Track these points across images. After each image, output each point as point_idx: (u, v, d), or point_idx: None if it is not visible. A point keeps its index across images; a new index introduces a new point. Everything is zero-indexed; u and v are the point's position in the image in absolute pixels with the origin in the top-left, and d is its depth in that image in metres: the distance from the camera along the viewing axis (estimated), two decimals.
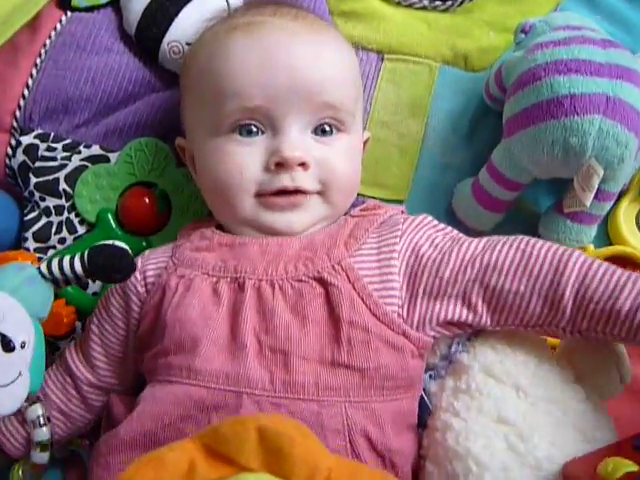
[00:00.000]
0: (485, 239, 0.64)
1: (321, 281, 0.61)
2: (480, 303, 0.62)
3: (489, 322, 0.62)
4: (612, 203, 0.71)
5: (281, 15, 0.68)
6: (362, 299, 0.61)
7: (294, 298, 0.61)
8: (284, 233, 0.66)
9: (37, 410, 0.65)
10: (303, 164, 0.64)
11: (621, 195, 0.74)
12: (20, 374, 0.60)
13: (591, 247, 0.73)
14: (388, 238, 0.64)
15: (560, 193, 0.73)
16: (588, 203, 0.68)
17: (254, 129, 0.65)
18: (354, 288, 0.61)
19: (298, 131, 0.65)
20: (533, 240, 0.62)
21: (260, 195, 0.65)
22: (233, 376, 0.59)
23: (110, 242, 0.66)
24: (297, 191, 0.65)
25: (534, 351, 0.63)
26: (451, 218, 0.78)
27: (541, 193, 0.77)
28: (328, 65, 0.66)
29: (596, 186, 0.66)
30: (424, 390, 0.65)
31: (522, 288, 0.60)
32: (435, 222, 0.67)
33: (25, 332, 0.61)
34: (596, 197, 0.68)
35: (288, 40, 0.65)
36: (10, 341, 0.59)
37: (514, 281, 0.61)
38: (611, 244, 0.75)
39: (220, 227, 0.70)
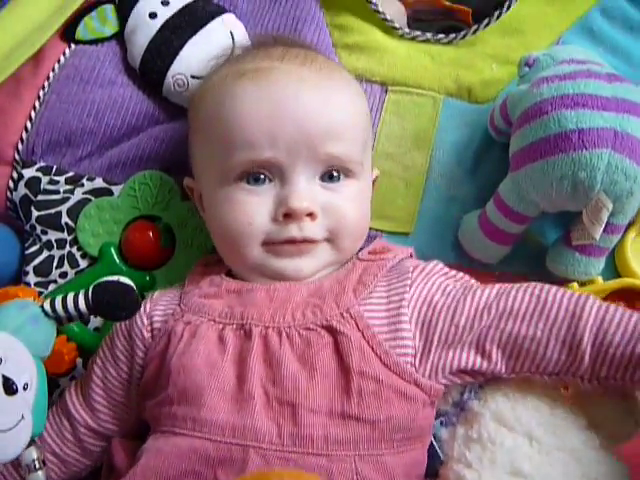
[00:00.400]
0: (498, 286, 0.63)
1: (330, 329, 0.60)
2: (495, 350, 0.61)
3: (504, 369, 0.62)
4: (620, 235, 0.71)
5: (289, 60, 0.67)
6: (372, 348, 0.60)
7: (302, 347, 0.60)
8: (293, 278, 0.65)
9: (32, 453, 0.62)
10: (311, 214, 0.64)
11: (628, 227, 0.73)
12: (23, 417, 0.58)
13: (599, 279, 0.73)
14: (398, 287, 0.63)
15: (567, 226, 0.73)
16: (597, 236, 0.67)
17: (262, 177, 0.65)
18: (364, 337, 0.60)
19: (306, 180, 0.65)
20: (547, 286, 0.62)
21: (267, 244, 0.65)
22: (239, 428, 0.57)
23: (115, 278, 0.65)
24: (305, 240, 0.65)
25: (546, 397, 0.62)
26: (457, 250, 0.77)
27: (548, 226, 0.76)
28: (336, 111, 0.66)
29: (605, 220, 0.66)
30: (434, 437, 0.64)
31: (539, 334, 0.60)
32: (445, 269, 0.67)
33: (28, 373, 0.60)
34: (604, 230, 0.68)
35: (296, 87, 0.65)
36: (13, 383, 0.58)
37: (530, 326, 0.60)
38: (619, 276, 0.75)
39: (230, 273, 0.70)
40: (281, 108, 0.64)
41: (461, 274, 0.67)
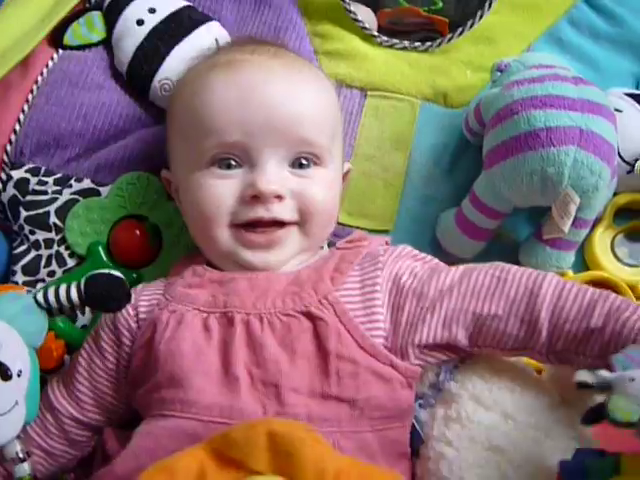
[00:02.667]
0: (462, 268, 0.66)
1: (309, 315, 0.63)
2: (459, 329, 0.63)
3: (467, 345, 0.64)
4: (588, 230, 0.75)
5: (260, 53, 0.71)
6: (349, 332, 0.62)
7: (282, 332, 0.62)
8: (261, 270, 0.67)
9: (15, 446, 0.63)
10: (278, 196, 0.66)
11: (596, 222, 0.77)
12: (17, 403, 0.60)
13: (570, 272, 0.76)
14: (370, 271, 0.66)
15: (538, 221, 0.76)
16: (566, 230, 0.71)
17: (232, 163, 0.67)
18: (341, 321, 0.62)
19: (275, 165, 0.67)
20: (508, 266, 0.65)
21: (235, 226, 0.67)
22: (226, 408, 0.59)
23: (106, 271, 0.67)
24: (274, 222, 0.66)
25: (520, 378, 0.65)
26: (435, 247, 0.80)
27: (520, 222, 0.80)
28: (303, 102, 0.69)
29: (573, 214, 0.70)
30: (415, 418, 0.66)
31: (500, 312, 0.63)
32: (415, 252, 0.69)
33: (21, 361, 0.61)
34: (573, 224, 0.71)
35: (265, 78, 0.68)
36: (7, 369, 0.59)
37: (492, 305, 0.63)
38: (588, 269, 0.78)
39: (210, 263, 0.71)
40: (249, 95, 0.66)
41: (430, 257, 0.69)
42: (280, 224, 0.67)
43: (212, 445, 0.46)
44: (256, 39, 0.80)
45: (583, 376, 0.51)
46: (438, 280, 0.65)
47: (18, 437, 0.64)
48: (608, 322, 0.59)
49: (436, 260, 0.69)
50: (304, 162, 0.68)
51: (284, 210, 0.67)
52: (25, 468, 0.64)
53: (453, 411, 0.63)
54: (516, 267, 0.65)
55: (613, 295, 0.61)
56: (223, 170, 0.67)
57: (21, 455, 0.63)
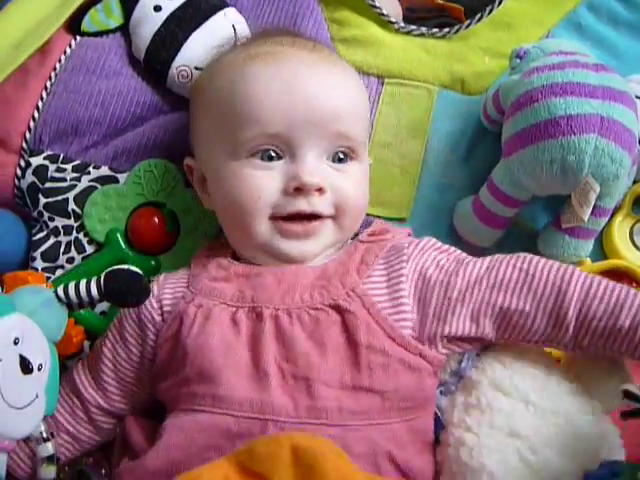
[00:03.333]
0: (488, 259, 0.66)
1: (337, 308, 0.63)
2: (487, 321, 0.64)
3: (493, 338, 0.65)
4: (607, 218, 0.74)
5: (299, 46, 0.71)
6: (378, 323, 0.62)
7: (311, 326, 0.62)
8: (297, 260, 0.67)
9: (40, 425, 0.64)
10: (320, 189, 0.66)
11: (615, 211, 0.77)
12: (37, 396, 0.60)
13: (588, 261, 0.76)
14: (395, 264, 0.66)
15: (557, 210, 0.76)
16: (586, 218, 0.70)
17: (273, 154, 0.67)
18: (369, 313, 0.63)
19: (314, 157, 0.67)
20: (535, 259, 0.65)
21: (275, 218, 0.67)
22: (257, 403, 0.59)
23: (125, 266, 0.67)
24: (313, 216, 0.67)
25: (541, 365, 0.65)
26: (452, 235, 0.80)
27: (539, 210, 0.79)
28: (343, 96, 0.69)
29: (593, 202, 0.69)
30: (436, 406, 0.66)
31: (527, 307, 0.63)
32: (439, 244, 0.69)
33: (42, 354, 0.62)
34: (592, 213, 0.71)
35: (307, 71, 0.68)
36: (29, 363, 0.60)
37: (520, 300, 0.63)
38: (607, 258, 0.78)
39: (235, 256, 0.72)
40: (293, 86, 0.66)
41: (453, 248, 0.69)
42: (317, 217, 0.67)
43: (237, 458, 0.47)
44: (287, 30, 0.80)
45: (633, 388, 0.52)
46: (465, 271, 0.65)
47: (42, 419, 0.65)
48: (638, 321, 0.59)
49: (459, 251, 0.69)
50: (342, 156, 0.69)
51: (323, 204, 0.67)
52: (49, 448, 0.65)
53: (473, 398, 0.63)
54: (543, 260, 0.65)
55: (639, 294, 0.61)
56: (264, 162, 0.67)
57: (45, 435, 0.64)
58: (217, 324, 0.64)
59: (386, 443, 0.60)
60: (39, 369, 0.61)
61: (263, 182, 0.66)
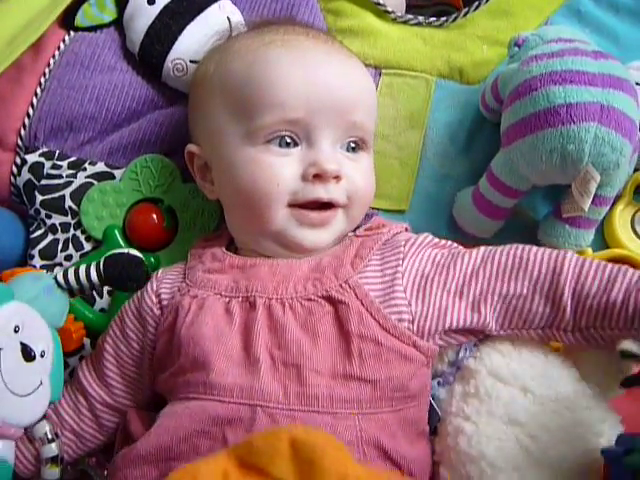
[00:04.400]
0: (482, 249, 0.67)
1: (330, 299, 0.63)
2: (488, 310, 0.64)
3: (495, 326, 0.65)
4: (608, 207, 0.74)
5: (314, 36, 0.71)
6: (371, 314, 0.62)
7: (304, 316, 0.62)
8: (308, 250, 0.67)
9: (44, 426, 0.65)
10: (337, 177, 0.66)
11: (616, 200, 0.76)
12: (41, 383, 0.61)
13: (589, 250, 0.75)
14: (391, 260, 0.66)
15: (556, 200, 0.75)
16: (586, 208, 0.70)
17: (289, 140, 0.66)
18: (362, 304, 0.63)
19: (330, 145, 0.67)
20: (528, 246, 0.66)
21: (292, 205, 0.66)
22: (247, 390, 0.60)
23: (125, 250, 0.67)
24: (327, 204, 0.67)
25: (540, 352, 0.65)
26: (452, 227, 0.79)
27: (538, 200, 0.79)
28: (360, 86, 0.70)
29: (593, 191, 0.69)
30: (432, 397, 0.67)
31: (525, 291, 0.64)
32: (435, 240, 0.70)
33: (44, 341, 0.62)
34: (593, 202, 0.70)
35: (326, 59, 0.68)
36: (31, 350, 0.60)
37: (517, 285, 0.64)
38: (608, 247, 0.77)
39: (229, 247, 0.71)
40: (315, 73, 0.66)
41: (449, 242, 0.70)
42: (331, 206, 0.67)
43: (235, 452, 0.46)
44: (295, 20, 0.80)
45: (627, 345, 0.52)
46: (462, 264, 0.65)
47: (47, 418, 0.66)
48: (629, 294, 0.60)
49: (455, 245, 0.70)
50: (353, 145, 0.69)
51: (339, 192, 0.67)
52: (53, 448, 0.65)
53: (472, 387, 0.63)
54: (536, 247, 0.66)
55: (632, 270, 0.62)
56: (282, 148, 0.66)
57: (50, 435, 0.65)
58: (210, 313, 0.64)
59: (375, 431, 0.60)
60: (42, 356, 0.62)
61: (282, 169, 0.66)
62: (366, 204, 0.71)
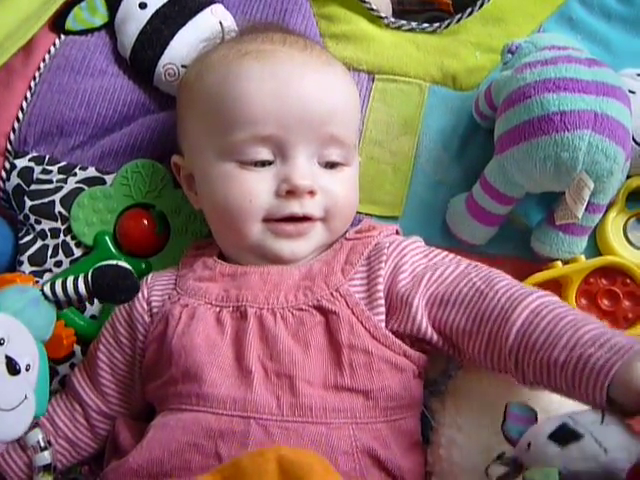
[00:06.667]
0: (456, 272, 0.64)
1: (321, 309, 0.63)
2: (438, 337, 0.63)
3: (449, 351, 0.63)
4: (601, 215, 0.74)
5: (291, 44, 0.69)
6: (361, 323, 0.62)
7: (295, 326, 0.62)
8: (287, 260, 0.67)
9: (37, 435, 0.64)
10: (311, 192, 0.66)
11: (609, 207, 0.76)
12: (26, 397, 0.59)
13: (582, 258, 0.75)
14: (375, 264, 0.66)
15: (550, 207, 0.76)
16: (580, 215, 0.70)
17: (264, 156, 0.66)
18: (353, 313, 0.62)
19: (306, 159, 0.66)
20: (496, 279, 0.61)
21: (268, 220, 0.66)
22: (240, 401, 0.59)
23: (113, 262, 0.66)
24: (304, 218, 0.66)
25: None
26: (446, 233, 0.79)
27: (532, 207, 0.79)
28: (336, 97, 0.68)
29: (587, 199, 0.69)
30: (425, 406, 0.67)
31: (468, 327, 0.60)
32: (421, 247, 0.68)
33: (29, 354, 0.61)
34: (586, 209, 0.70)
35: (300, 71, 0.67)
36: (16, 364, 0.59)
37: (467, 321, 0.60)
38: (601, 254, 0.77)
39: (221, 255, 0.71)
40: (286, 87, 0.65)
41: (437, 251, 0.68)
42: (309, 219, 0.67)
43: (222, 473, 0.46)
44: (277, 25, 0.78)
45: (496, 471, 0.50)
46: (429, 281, 0.63)
47: (38, 426, 0.65)
48: (570, 356, 0.53)
49: (443, 254, 0.68)
50: (332, 159, 0.68)
51: (314, 206, 0.66)
52: (46, 457, 0.65)
53: (462, 397, 0.63)
54: (506, 282, 0.61)
55: (591, 325, 0.54)
56: (257, 165, 0.66)
57: (42, 444, 0.64)
58: (202, 324, 0.63)
59: (370, 441, 0.59)
60: (27, 369, 0.60)
61: (254, 185, 0.65)
62: (347, 216, 0.70)
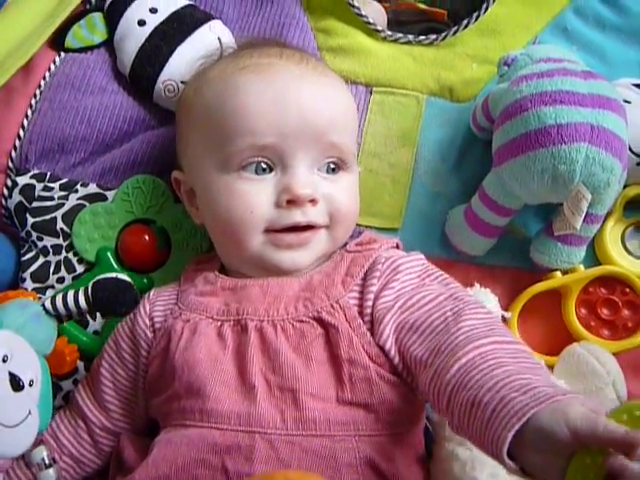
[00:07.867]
0: (444, 297, 0.62)
1: (320, 321, 0.63)
2: (399, 358, 0.62)
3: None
4: (599, 225, 0.74)
5: (287, 58, 0.70)
6: (358, 337, 0.62)
7: (296, 338, 0.62)
8: (288, 271, 0.67)
9: (42, 452, 0.65)
10: (313, 200, 0.66)
11: (606, 217, 0.77)
12: (30, 413, 0.60)
13: (581, 268, 0.76)
14: (369, 279, 0.65)
15: (548, 217, 0.76)
16: (578, 226, 0.70)
17: (264, 166, 0.66)
18: (351, 327, 0.62)
19: (306, 168, 0.67)
20: (466, 317, 0.59)
21: (269, 231, 0.66)
22: (244, 416, 0.59)
23: (113, 275, 0.67)
24: (308, 226, 0.66)
25: None
26: (445, 244, 0.80)
27: (530, 218, 0.79)
28: (334, 107, 0.69)
29: (585, 210, 0.69)
30: (427, 419, 0.67)
31: (425, 357, 0.58)
32: (417, 267, 0.66)
33: (32, 370, 0.61)
34: (584, 220, 0.71)
35: (298, 82, 0.67)
36: (19, 380, 0.59)
37: (421, 348, 0.59)
38: (599, 264, 0.78)
39: (223, 270, 0.71)
40: (285, 98, 0.66)
41: (433, 272, 0.66)
42: (312, 227, 0.67)
43: None
44: (272, 40, 0.79)
45: None
46: (405, 303, 0.62)
47: (44, 443, 0.65)
48: (493, 397, 0.50)
49: (438, 275, 0.66)
50: (333, 167, 0.69)
51: (318, 213, 0.67)
52: (51, 474, 0.65)
53: None
54: (475, 320, 0.58)
55: (529, 375, 0.51)
56: (257, 174, 0.66)
57: (47, 461, 0.65)
58: (203, 338, 0.64)
59: (373, 454, 0.59)
60: (30, 385, 0.61)
61: (255, 196, 0.66)
62: (350, 224, 0.71)
